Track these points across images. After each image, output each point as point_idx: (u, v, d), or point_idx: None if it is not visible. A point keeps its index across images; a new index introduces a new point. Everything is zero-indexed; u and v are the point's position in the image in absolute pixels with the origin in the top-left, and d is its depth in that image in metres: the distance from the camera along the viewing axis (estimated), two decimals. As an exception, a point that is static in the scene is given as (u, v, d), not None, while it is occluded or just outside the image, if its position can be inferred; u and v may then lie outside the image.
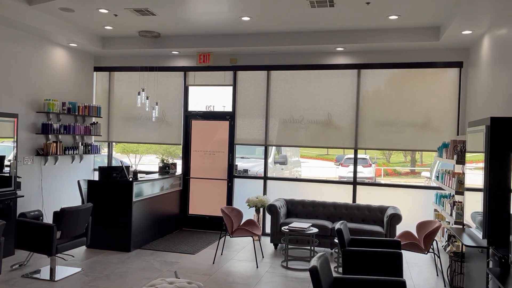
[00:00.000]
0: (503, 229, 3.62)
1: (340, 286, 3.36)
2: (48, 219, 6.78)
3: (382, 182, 17.43)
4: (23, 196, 6.14)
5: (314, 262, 3.08)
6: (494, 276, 3.08)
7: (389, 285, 3.31)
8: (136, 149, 20.09)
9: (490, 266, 3.61)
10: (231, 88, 7.76)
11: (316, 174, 18.96)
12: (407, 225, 6.32)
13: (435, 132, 6.87)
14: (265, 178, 7.71)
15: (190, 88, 8.02)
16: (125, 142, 8.58)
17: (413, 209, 6.93)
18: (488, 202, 3.71)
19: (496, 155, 3.63)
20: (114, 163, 8.52)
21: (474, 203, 4.27)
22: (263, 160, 7.80)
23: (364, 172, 17.09)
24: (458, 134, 6.71)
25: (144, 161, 18.49)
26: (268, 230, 7.39)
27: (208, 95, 8.13)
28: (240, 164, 8.16)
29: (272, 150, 10.97)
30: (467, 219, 4.66)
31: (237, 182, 7.84)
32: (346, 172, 16.75)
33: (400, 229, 6.10)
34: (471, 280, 4.36)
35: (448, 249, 5.10)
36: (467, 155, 4.82)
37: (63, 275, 5.22)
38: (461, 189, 4.96)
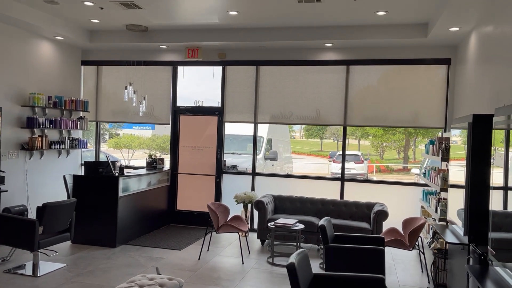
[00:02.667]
0: (484, 226, 3.62)
1: (320, 283, 3.34)
2: (33, 214, 6.69)
3: (374, 178, 17.47)
4: (6, 191, 6.08)
5: (292, 258, 3.05)
6: (472, 273, 3.08)
7: (368, 282, 3.30)
8: (129, 144, 20.05)
9: (471, 263, 3.61)
10: (219, 80, 7.69)
11: (309, 171, 18.99)
12: (395, 221, 6.32)
13: (423, 129, 6.87)
14: (254, 174, 7.69)
15: (179, 79, 7.90)
16: (114, 122, 8.58)
17: (401, 206, 6.94)
18: (469, 199, 3.70)
19: (477, 152, 3.62)
20: (104, 158, 8.46)
21: (459, 200, 4.27)
22: (250, 155, 7.77)
23: (356, 169, 17.11)
24: (445, 131, 6.72)
25: (137, 156, 18.44)
26: (256, 226, 7.37)
27: (196, 89, 8.08)
28: (229, 160, 8.13)
29: (263, 146, 10.95)
30: (451, 216, 4.67)
31: (225, 178, 7.80)
32: (338, 168, 16.76)
33: (388, 225, 6.09)
34: (453, 276, 4.37)
35: (432, 245, 5.10)
36: (451, 152, 4.82)
37: (46, 271, 5.18)
38: (445, 186, 4.96)
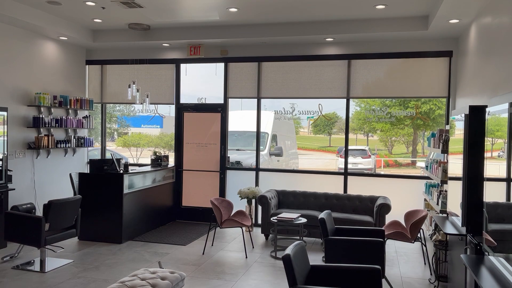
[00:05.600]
0: (480, 217, 3.63)
1: (317, 274, 3.39)
2: (41, 212, 6.81)
3: (382, 173, 17.40)
4: (14, 189, 6.20)
5: (288, 250, 3.11)
6: (467, 262, 3.10)
7: (365, 272, 3.34)
8: (137, 142, 20.21)
9: (468, 253, 3.63)
10: (222, 77, 7.74)
11: (317, 166, 18.97)
12: (398, 214, 6.31)
13: (426, 121, 6.86)
14: (257, 169, 7.74)
15: (182, 76, 7.95)
16: (118, 103, 8.62)
17: (405, 199, 6.94)
18: (466, 190, 3.72)
19: (473, 144, 3.63)
20: (109, 156, 8.56)
21: (459, 192, 4.27)
22: (255, 151, 7.82)
23: (364, 163, 17.07)
24: (447, 124, 6.70)
25: (146, 154, 18.57)
26: (260, 221, 7.43)
27: (199, 87, 8.13)
28: (233, 156, 8.18)
29: (268, 142, 10.97)
30: (452, 208, 4.68)
31: (230, 174, 7.87)
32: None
33: (392, 218, 6.09)
34: (453, 267, 4.38)
35: (434, 237, 5.11)
36: (455, 145, 4.82)
37: (53, 266, 5.29)
38: (445, 178, 4.96)
